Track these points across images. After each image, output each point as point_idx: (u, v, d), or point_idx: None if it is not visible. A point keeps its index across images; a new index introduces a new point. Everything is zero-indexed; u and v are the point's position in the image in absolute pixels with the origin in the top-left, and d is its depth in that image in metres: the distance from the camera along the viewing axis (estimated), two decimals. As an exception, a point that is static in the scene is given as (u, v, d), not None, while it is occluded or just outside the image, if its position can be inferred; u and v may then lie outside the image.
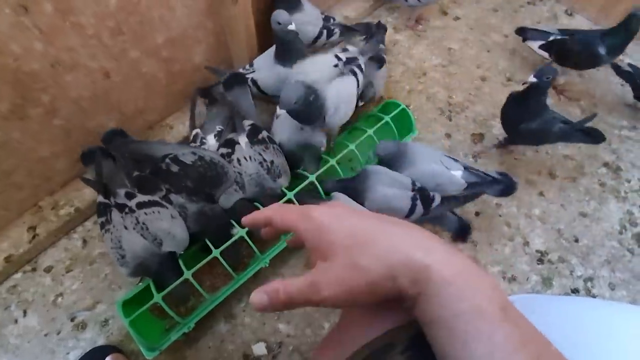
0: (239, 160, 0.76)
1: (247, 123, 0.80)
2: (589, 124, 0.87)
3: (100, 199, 0.71)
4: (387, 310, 0.26)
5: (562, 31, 1.04)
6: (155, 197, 0.71)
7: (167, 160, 0.73)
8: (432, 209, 0.78)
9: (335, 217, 0.27)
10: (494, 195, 0.83)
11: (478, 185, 0.80)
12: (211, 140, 0.82)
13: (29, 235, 0.81)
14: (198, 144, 0.81)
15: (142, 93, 0.84)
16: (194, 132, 0.83)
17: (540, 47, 1.05)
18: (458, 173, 0.79)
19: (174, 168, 0.73)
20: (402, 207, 0.76)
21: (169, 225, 0.69)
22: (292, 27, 0.77)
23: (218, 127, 0.83)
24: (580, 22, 1.25)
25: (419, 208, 0.76)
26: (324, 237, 0.26)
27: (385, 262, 0.23)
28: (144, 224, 0.67)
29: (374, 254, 0.24)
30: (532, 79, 0.77)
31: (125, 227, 0.67)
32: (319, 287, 0.25)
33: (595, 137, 0.88)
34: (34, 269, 0.82)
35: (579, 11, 1.25)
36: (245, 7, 0.81)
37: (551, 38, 1.03)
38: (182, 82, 0.91)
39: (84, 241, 0.85)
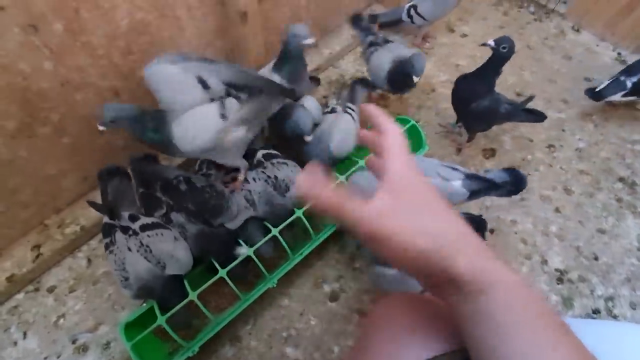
0: (246, 179, 0.76)
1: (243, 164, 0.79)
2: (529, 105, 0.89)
3: (106, 219, 0.70)
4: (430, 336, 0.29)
5: (627, 71, 0.99)
6: (158, 220, 0.71)
7: (180, 177, 0.74)
8: None
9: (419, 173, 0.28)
10: (504, 196, 0.80)
11: (482, 192, 0.77)
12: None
13: (32, 254, 0.80)
14: (204, 171, 0.82)
15: (150, 111, 0.84)
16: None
17: (625, 95, 1.00)
18: (457, 183, 0.75)
19: (183, 187, 0.73)
20: None
21: (172, 248, 0.68)
22: (308, 42, 0.77)
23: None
24: (587, 38, 1.25)
25: None
26: (404, 174, 0.27)
27: (447, 242, 0.24)
28: (147, 246, 0.66)
29: (444, 229, 0.25)
30: (490, 42, 0.79)
31: (129, 249, 0.66)
32: (359, 222, 0.25)
33: (538, 115, 0.90)
34: (36, 289, 0.81)
35: (585, 27, 1.25)
36: (255, 26, 0.81)
37: (629, 84, 0.98)
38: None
39: (89, 260, 0.84)
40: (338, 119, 0.86)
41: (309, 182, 0.26)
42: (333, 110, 0.89)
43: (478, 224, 0.81)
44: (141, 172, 0.78)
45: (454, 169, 0.76)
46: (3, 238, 0.79)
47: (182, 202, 0.72)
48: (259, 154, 0.80)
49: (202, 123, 0.66)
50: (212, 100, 0.66)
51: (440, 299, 0.27)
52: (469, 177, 0.75)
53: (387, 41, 0.98)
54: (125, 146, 0.85)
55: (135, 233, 0.67)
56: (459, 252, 0.24)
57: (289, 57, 0.79)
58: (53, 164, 0.75)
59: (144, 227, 0.68)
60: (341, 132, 0.83)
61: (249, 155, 0.79)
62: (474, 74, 0.85)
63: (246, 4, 0.76)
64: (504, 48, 0.79)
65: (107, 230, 0.69)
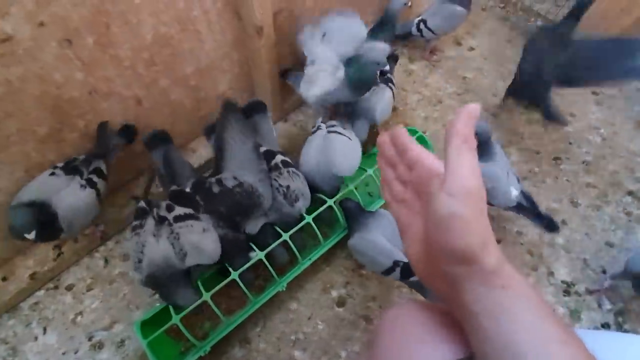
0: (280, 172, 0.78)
1: (262, 149, 0.81)
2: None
3: (142, 204, 0.72)
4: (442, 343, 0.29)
5: None
6: (190, 210, 0.71)
7: (212, 179, 0.73)
8: None
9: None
10: (538, 226, 0.83)
11: (525, 210, 0.81)
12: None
13: (54, 253, 0.84)
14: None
15: (169, 118, 0.89)
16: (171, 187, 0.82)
17: None
18: (514, 192, 0.80)
19: (216, 189, 0.73)
20: None
21: (198, 239, 0.68)
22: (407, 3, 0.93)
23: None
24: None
25: None
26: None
27: (489, 234, 0.26)
28: (177, 233, 0.68)
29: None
30: None
31: (153, 235, 0.68)
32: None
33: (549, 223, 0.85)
34: (56, 287, 0.84)
35: (593, 41, 1.27)
36: (269, 40, 0.85)
37: None
38: (207, 109, 0.95)
39: (106, 260, 0.87)
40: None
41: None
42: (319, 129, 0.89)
43: (549, 223, 0.83)
44: (170, 164, 0.77)
45: (518, 180, 0.82)
46: (28, 237, 0.83)
47: (214, 204, 0.72)
48: (278, 157, 0.80)
49: None
50: None
51: (452, 298, 0.27)
52: (524, 194, 0.82)
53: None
54: (144, 151, 0.90)
55: (169, 224, 0.69)
56: (492, 244, 0.26)
57: (386, 22, 0.97)
58: (77, 167, 0.80)
59: (177, 218, 0.69)
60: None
61: (267, 156, 0.79)
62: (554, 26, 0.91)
63: (262, 19, 0.80)
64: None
65: (140, 214, 0.71)
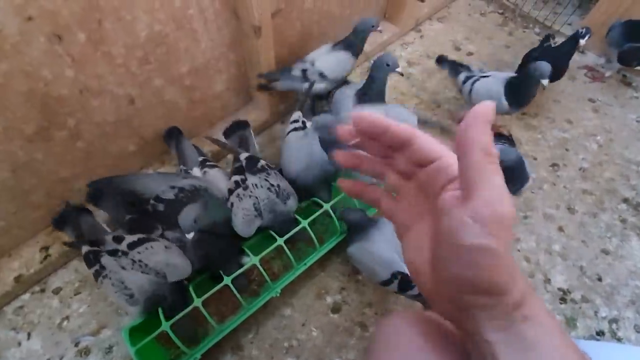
0: (254, 185, 0.77)
1: (243, 156, 0.80)
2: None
3: (87, 248, 0.70)
4: None
5: None
6: (142, 235, 0.70)
7: (152, 201, 0.73)
8: None
9: None
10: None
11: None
12: (197, 172, 0.83)
13: (41, 255, 0.81)
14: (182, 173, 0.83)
15: (162, 118, 0.87)
16: (180, 167, 0.85)
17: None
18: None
19: (160, 207, 0.73)
20: None
21: (166, 257, 0.68)
22: (398, 70, 0.85)
23: (200, 158, 0.86)
24: (592, 59, 1.26)
25: None
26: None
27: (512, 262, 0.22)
28: (140, 261, 0.66)
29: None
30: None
31: (124, 267, 0.66)
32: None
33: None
34: (42, 290, 0.82)
35: (590, 49, 1.27)
36: (267, 40, 0.84)
37: None
38: (202, 109, 0.94)
39: (95, 263, 0.85)
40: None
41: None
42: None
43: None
44: (119, 194, 0.77)
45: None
46: (13, 238, 0.80)
47: (170, 219, 0.72)
48: (262, 161, 0.80)
49: None
50: None
51: (461, 321, 0.24)
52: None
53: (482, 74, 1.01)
54: (136, 151, 0.88)
55: (124, 253, 0.67)
56: (519, 275, 0.22)
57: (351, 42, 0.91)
58: (67, 167, 0.77)
59: (132, 245, 0.68)
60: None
61: (251, 161, 0.79)
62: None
63: (260, 19, 0.78)
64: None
65: (93, 259, 0.68)
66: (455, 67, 1.06)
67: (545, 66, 0.87)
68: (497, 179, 0.21)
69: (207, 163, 0.85)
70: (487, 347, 0.23)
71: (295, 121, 0.86)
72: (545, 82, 0.88)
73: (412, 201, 0.27)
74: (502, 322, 0.22)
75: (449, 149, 0.25)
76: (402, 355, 0.31)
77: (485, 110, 0.22)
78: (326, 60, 0.92)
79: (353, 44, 0.93)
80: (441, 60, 1.11)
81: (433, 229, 0.25)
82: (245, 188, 0.76)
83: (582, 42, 0.98)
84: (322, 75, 0.92)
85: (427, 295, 0.27)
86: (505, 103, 0.94)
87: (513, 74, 0.97)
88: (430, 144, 0.25)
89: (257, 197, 0.76)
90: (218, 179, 0.82)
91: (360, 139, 0.27)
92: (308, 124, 0.86)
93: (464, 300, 0.23)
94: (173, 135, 0.87)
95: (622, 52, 1.09)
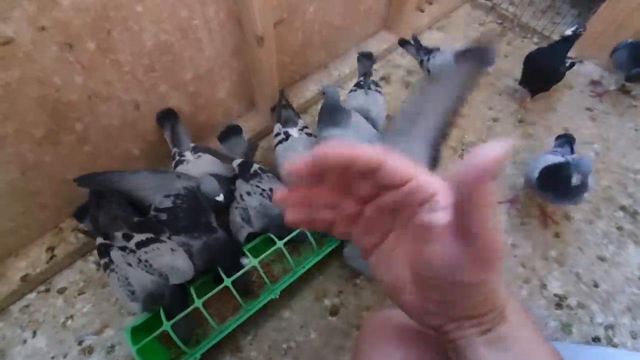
0: (241, 196, 0.79)
1: (236, 163, 0.82)
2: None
3: (100, 240, 0.72)
4: None
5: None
6: (151, 235, 0.71)
7: (152, 212, 0.75)
8: None
9: None
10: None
11: None
12: (189, 156, 0.85)
13: (47, 255, 0.83)
14: (177, 158, 0.85)
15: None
16: (173, 150, 0.87)
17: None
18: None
19: (163, 216, 0.74)
20: None
21: (171, 260, 0.70)
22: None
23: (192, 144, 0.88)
24: (590, 69, 1.28)
25: None
26: None
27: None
28: (146, 261, 0.68)
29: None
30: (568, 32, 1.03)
31: (130, 264, 0.68)
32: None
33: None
34: (47, 290, 0.84)
35: (588, 58, 1.29)
36: (270, 48, 0.86)
37: None
38: (205, 115, 0.96)
39: (99, 264, 0.87)
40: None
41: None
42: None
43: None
44: (117, 195, 0.77)
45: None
46: (21, 238, 0.82)
47: (175, 226, 0.73)
48: (255, 166, 0.83)
49: None
50: None
51: (443, 332, 0.25)
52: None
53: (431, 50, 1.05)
54: (140, 155, 0.90)
55: (132, 251, 0.69)
56: (505, 289, 0.23)
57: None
58: (73, 169, 0.79)
59: (140, 245, 0.69)
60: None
61: (245, 167, 0.82)
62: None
63: (263, 29, 0.81)
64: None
65: (104, 250, 0.70)
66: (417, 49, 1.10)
67: None
68: (498, 218, 0.23)
69: (199, 148, 0.86)
70: (467, 346, 0.24)
71: (278, 134, 0.89)
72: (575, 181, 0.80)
73: (372, 223, 0.25)
74: (485, 326, 0.24)
75: (419, 168, 0.23)
76: (383, 351, 0.32)
77: (495, 153, 0.17)
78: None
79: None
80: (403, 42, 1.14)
81: (411, 250, 0.23)
82: (231, 200, 0.77)
83: (568, 31, 1.02)
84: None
85: (408, 311, 0.26)
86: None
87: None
88: (401, 166, 0.22)
89: (243, 208, 0.78)
90: (210, 165, 0.84)
91: (313, 177, 0.23)
92: (291, 131, 0.89)
93: (454, 317, 0.24)
94: (169, 117, 0.87)
95: (630, 77, 1.10)
